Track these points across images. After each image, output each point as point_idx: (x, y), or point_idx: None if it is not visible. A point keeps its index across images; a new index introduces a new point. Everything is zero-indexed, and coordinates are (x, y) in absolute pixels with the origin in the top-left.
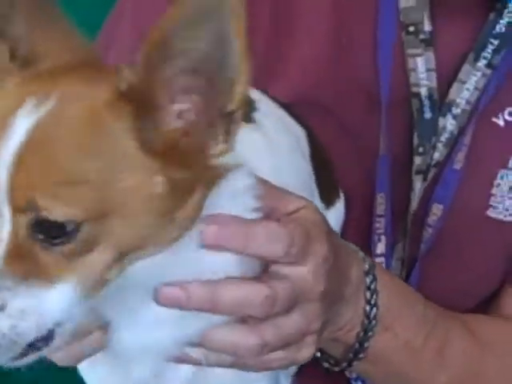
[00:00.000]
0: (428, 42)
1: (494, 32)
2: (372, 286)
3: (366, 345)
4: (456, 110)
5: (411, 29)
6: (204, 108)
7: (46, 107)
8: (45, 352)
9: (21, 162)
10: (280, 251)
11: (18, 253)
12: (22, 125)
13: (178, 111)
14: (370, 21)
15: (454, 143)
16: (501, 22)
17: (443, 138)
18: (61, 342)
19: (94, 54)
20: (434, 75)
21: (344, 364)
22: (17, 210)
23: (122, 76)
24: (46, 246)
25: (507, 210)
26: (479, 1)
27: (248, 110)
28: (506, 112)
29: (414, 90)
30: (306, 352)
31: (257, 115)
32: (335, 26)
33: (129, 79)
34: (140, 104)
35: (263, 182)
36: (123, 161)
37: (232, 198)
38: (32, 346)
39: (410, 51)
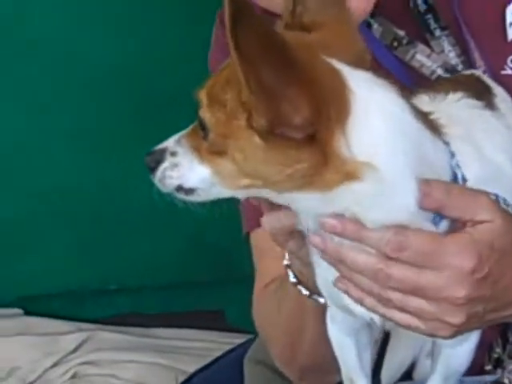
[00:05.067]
0: None
1: None
2: None
3: None
4: None
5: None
6: None
7: None
8: (191, 198)
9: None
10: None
11: (193, 133)
12: None
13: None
14: None
15: None
16: None
17: None
18: (196, 198)
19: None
20: None
21: None
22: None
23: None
24: (202, 136)
25: None
26: None
27: (489, 97)
28: None
29: None
30: (452, 318)
31: (497, 101)
32: None
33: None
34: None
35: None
36: (241, 117)
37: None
38: (178, 191)
39: None
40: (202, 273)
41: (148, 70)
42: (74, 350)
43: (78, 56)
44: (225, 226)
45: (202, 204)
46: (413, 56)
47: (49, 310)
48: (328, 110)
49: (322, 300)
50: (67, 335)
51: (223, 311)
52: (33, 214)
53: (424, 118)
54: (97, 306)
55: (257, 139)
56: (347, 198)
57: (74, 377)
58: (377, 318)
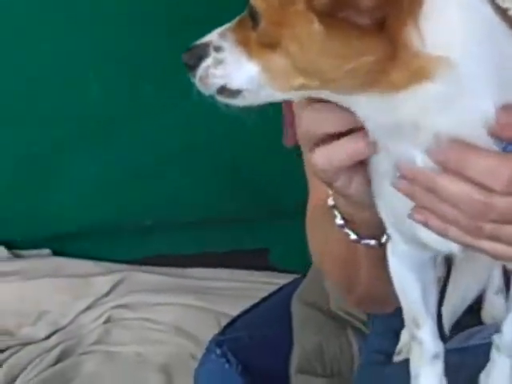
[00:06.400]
0: None
1: None
2: None
3: None
4: None
5: None
6: None
7: None
8: (235, 102)
9: None
10: (496, 187)
11: (240, 26)
12: None
13: None
14: None
15: None
16: None
17: None
18: (242, 102)
19: None
20: None
21: None
22: None
23: None
24: (252, 27)
25: None
26: None
27: None
28: None
29: None
30: None
31: None
32: None
33: None
34: None
35: None
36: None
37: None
38: (221, 92)
39: None
40: (244, 209)
41: None
42: (107, 293)
43: None
44: (270, 157)
45: (247, 111)
46: None
47: (79, 251)
48: None
49: (372, 242)
50: (99, 277)
51: (267, 250)
52: (61, 148)
53: (503, 13)
54: (130, 247)
55: (316, 25)
56: (414, 102)
57: (108, 321)
58: (457, 249)
